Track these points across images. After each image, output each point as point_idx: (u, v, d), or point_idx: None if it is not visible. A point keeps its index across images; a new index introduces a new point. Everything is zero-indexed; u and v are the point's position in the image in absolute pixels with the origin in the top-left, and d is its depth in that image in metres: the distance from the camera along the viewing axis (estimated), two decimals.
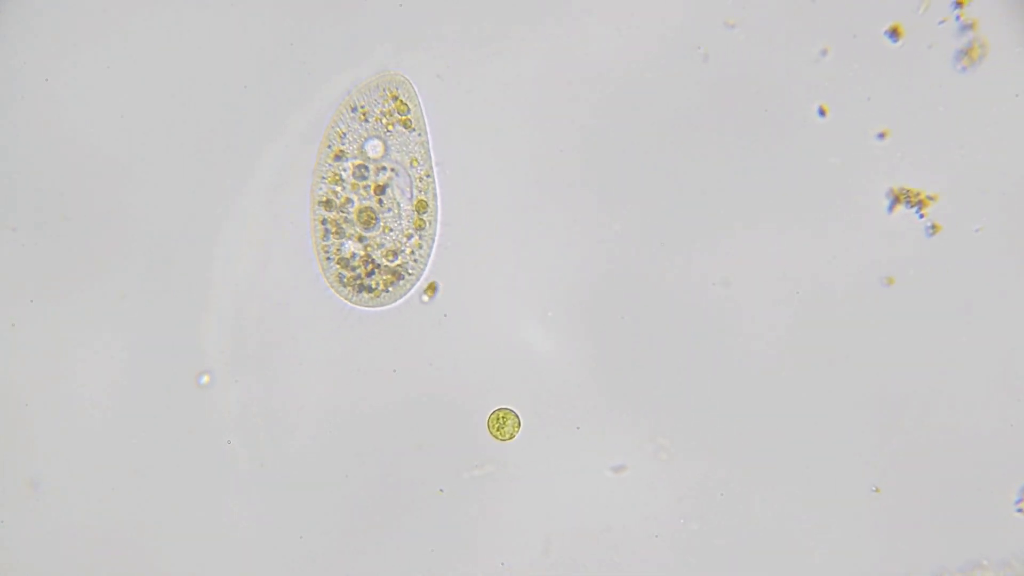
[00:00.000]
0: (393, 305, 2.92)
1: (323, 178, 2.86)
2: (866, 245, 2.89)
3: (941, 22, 2.79)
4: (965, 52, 2.75)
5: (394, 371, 2.95)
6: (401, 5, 2.89)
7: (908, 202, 2.80)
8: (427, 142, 2.88)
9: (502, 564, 2.94)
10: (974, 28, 2.78)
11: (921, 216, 2.83)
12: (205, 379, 2.92)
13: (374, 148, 2.77)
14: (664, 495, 2.94)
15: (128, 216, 2.91)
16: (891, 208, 2.84)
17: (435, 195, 2.88)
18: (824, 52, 2.84)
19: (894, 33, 2.80)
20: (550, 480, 2.95)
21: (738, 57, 2.87)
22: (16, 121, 2.89)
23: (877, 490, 2.80)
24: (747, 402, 2.93)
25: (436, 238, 2.92)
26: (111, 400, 2.92)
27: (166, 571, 2.92)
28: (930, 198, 2.83)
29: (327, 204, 2.83)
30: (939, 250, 2.88)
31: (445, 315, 2.95)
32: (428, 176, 2.86)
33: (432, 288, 2.84)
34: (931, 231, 2.86)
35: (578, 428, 2.95)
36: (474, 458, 2.95)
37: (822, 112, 2.85)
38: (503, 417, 2.84)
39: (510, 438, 2.86)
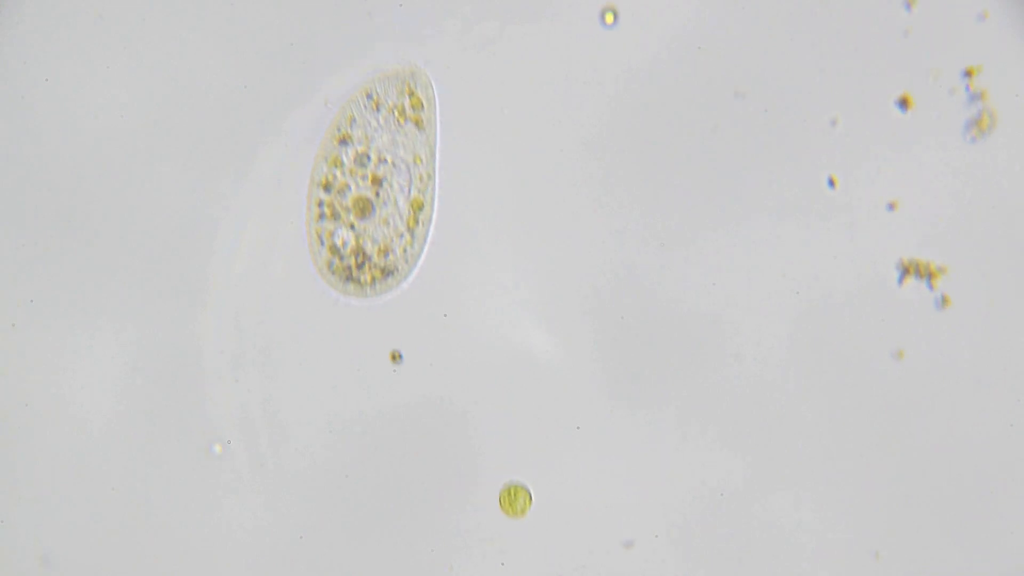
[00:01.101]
0: (378, 300, 2.92)
1: (325, 159, 2.85)
2: (876, 317, 2.87)
3: (951, 92, 2.77)
4: (975, 122, 2.74)
5: (394, 371, 2.95)
6: (401, 5, 2.89)
7: (918, 274, 2.79)
8: (434, 144, 2.87)
9: (502, 564, 2.94)
10: (984, 98, 2.76)
11: (931, 288, 2.81)
12: (217, 448, 2.92)
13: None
14: (664, 495, 2.94)
15: (128, 216, 2.91)
16: (901, 280, 2.83)
17: (434, 197, 2.88)
18: (834, 122, 2.84)
19: (904, 103, 2.79)
20: (549, 481, 2.95)
21: (748, 127, 2.86)
22: (16, 121, 2.89)
23: (878, 557, 2.81)
24: (748, 403, 2.93)
25: (429, 238, 2.91)
26: (111, 400, 2.93)
27: (166, 571, 2.93)
28: (940, 270, 2.82)
29: (325, 184, 2.83)
30: (950, 322, 2.87)
31: (445, 315, 2.95)
32: (430, 177, 2.86)
33: (396, 356, 2.86)
34: (941, 303, 2.84)
35: (578, 428, 2.95)
36: (474, 459, 2.95)
37: (831, 182, 2.84)
38: (514, 492, 2.85)
39: (522, 513, 2.87)
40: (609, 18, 2.73)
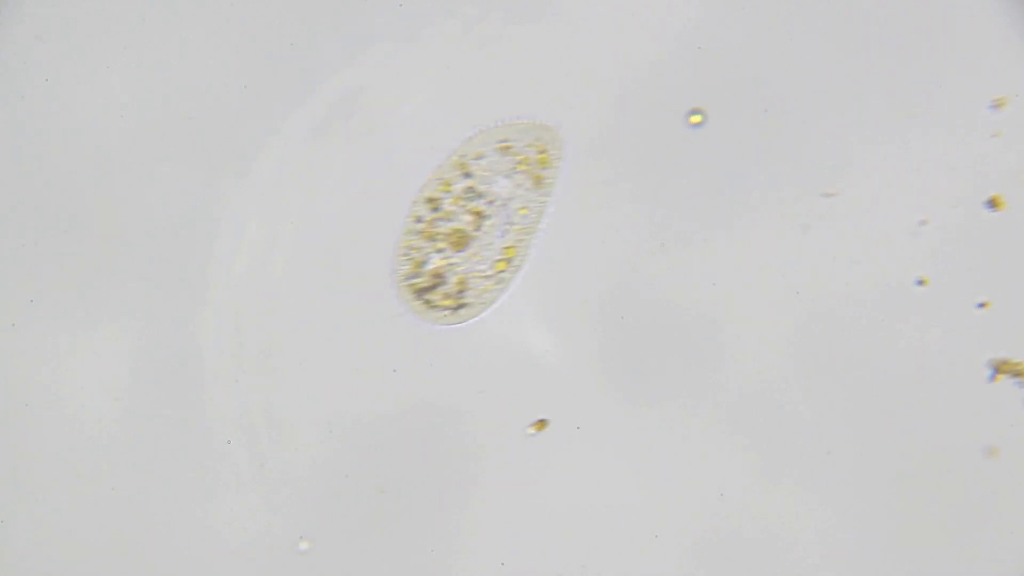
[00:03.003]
0: (438, 326, 2.92)
1: (439, 180, 2.86)
2: (968, 415, 2.87)
3: None
4: None
5: (394, 371, 2.95)
6: (401, 5, 2.89)
7: (1010, 373, 2.79)
8: (546, 204, 2.88)
9: (502, 564, 2.94)
10: None
11: (1023, 387, 2.81)
12: (304, 545, 2.92)
13: (502, 186, 2.79)
14: (664, 496, 2.94)
15: (128, 216, 2.91)
16: (992, 378, 2.83)
17: (527, 251, 2.89)
18: (923, 223, 2.84)
19: (993, 204, 2.79)
20: (550, 481, 2.95)
21: (837, 227, 2.87)
22: (16, 121, 2.89)
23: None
24: (748, 403, 2.93)
25: (510, 286, 2.92)
26: (111, 400, 2.93)
27: (166, 571, 2.93)
28: None
29: (431, 202, 2.84)
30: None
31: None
32: (531, 234, 2.88)
33: (541, 425, 2.87)
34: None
35: (578, 428, 2.95)
36: (474, 459, 2.95)
37: (920, 283, 2.84)
38: None
39: None
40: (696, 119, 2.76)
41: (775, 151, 2.89)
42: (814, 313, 2.91)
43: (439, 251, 2.86)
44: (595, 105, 2.91)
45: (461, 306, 2.88)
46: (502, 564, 2.94)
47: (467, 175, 2.84)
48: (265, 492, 2.94)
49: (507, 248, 2.86)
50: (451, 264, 2.86)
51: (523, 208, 2.86)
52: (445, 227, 2.84)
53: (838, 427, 2.91)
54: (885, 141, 2.87)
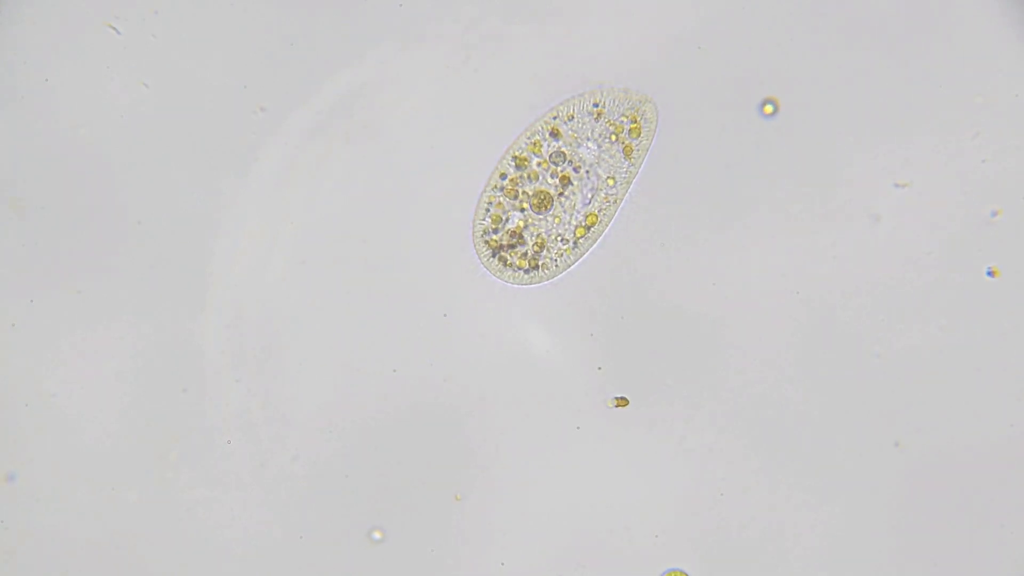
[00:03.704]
0: (513, 284, 2.90)
1: (528, 139, 2.84)
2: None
3: None
4: None
5: (394, 371, 2.95)
6: (401, 5, 2.89)
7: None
8: (635, 175, 2.87)
9: (502, 564, 2.94)
10: None
11: None
12: (377, 535, 2.92)
13: (588, 151, 2.76)
14: (664, 496, 2.94)
15: (128, 216, 2.91)
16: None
17: (610, 220, 2.87)
18: (995, 213, 2.83)
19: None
20: (550, 481, 2.95)
21: (910, 217, 2.86)
22: (16, 121, 2.89)
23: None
24: (748, 403, 2.93)
25: (587, 254, 2.90)
26: (111, 400, 2.93)
27: (166, 571, 2.93)
28: None
29: (519, 161, 2.82)
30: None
31: (445, 315, 2.95)
32: (615, 203, 2.86)
33: (623, 402, 2.86)
34: None
35: (578, 428, 2.95)
36: (474, 459, 2.95)
37: (991, 273, 2.83)
38: None
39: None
40: (768, 109, 2.74)
41: (775, 151, 2.89)
42: (814, 313, 2.91)
43: (520, 210, 2.83)
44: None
45: (536, 267, 2.86)
46: (502, 564, 2.94)
47: (554, 134, 2.82)
48: (265, 492, 2.94)
49: (589, 215, 2.84)
50: (531, 224, 2.83)
51: (610, 178, 2.83)
52: (530, 187, 2.82)
53: (839, 427, 2.91)
54: (886, 140, 2.87)
